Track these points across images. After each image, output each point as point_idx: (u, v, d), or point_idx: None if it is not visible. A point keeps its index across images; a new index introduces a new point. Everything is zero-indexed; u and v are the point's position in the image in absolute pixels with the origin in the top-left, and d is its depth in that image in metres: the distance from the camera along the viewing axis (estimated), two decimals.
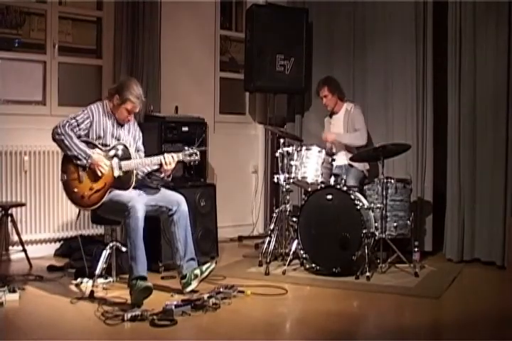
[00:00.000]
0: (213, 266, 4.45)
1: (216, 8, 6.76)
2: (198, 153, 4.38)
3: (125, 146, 4.38)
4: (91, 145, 4.30)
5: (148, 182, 4.49)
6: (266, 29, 6.31)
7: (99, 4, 6.08)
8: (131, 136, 4.53)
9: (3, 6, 6.59)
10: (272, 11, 6.44)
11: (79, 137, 4.27)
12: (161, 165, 4.33)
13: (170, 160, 4.31)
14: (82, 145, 4.24)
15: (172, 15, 6.24)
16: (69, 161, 4.27)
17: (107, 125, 4.39)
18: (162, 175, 4.42)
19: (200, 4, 6.51)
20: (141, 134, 4.60)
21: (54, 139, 4.27)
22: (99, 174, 4.24)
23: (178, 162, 4.38)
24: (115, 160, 4.30)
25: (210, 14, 6.70)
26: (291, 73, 6.43)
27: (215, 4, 6.74)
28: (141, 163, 4.36)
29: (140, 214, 4.11)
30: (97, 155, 4.25)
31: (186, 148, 4.40)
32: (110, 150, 4.34)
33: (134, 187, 4.36)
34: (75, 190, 4.25)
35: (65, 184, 4.30)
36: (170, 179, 4.51)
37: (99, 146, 4.32)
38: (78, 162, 4.23)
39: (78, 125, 4.28)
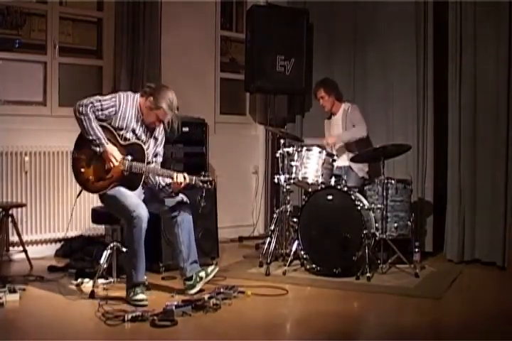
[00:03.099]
0: (217, 268, 4.47)
1: (216, 9, 6.77)
2: (213, 183, 4.27)
3: (142, 148, 4.22)
4: (107, 131, 4.13)
5: (156, 193, 4.37)
6: (266, 30, 6.31)
7: (100, 5, 6.09)
8: (153, 138, 4.35)
9: (3, 7, 6.60)
10: (272, 12, 6.44)
11: (99, 121, 4.11)
12: (172, 179, 4.22)
13: (181, 179, 4.17)
14: (99, 132, 4.07)
15: (172, 16, 6.24)
16: (85, 141, 4.12)
17: (131, 119, 4.21)
18: (170, 190, 4.33)
19: (201, 5, 6.51)
20: (164, 139, 4.44)
21: (75, 116, 4.10)
22: (107, 167, 4.13)
23: (189, 184, 4.23)
24: (128, 157, 4.16)
25: (211, 15, 6.70)
26: (292, 74, 6.42)
27: (216, 5, 6.75)
28: (153, 171, 4.26)
29: (145, 224, 4.06)
30: (111, 146, 4.11)
31: (203, 173, 4.29)
32: (127, 146, 4.19)
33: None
34: (82, 170, 4.16)
35: (73, 161, 4.19)
36: (176, 196, 4.37)
37: (118, 138, 4.17)
38: (92, 146, 4.10)
39: (102, 110, 4.10)
